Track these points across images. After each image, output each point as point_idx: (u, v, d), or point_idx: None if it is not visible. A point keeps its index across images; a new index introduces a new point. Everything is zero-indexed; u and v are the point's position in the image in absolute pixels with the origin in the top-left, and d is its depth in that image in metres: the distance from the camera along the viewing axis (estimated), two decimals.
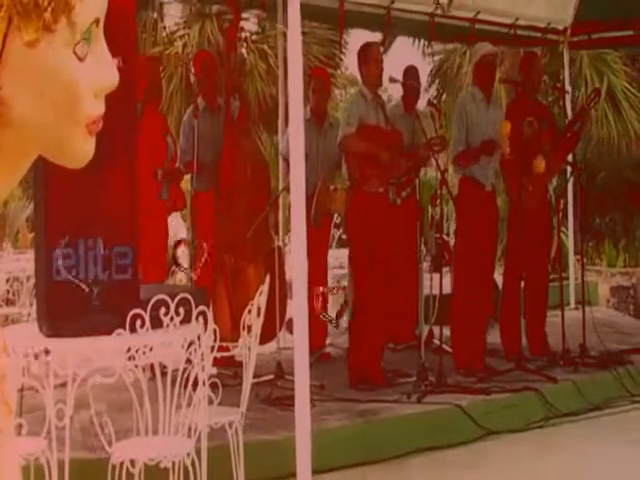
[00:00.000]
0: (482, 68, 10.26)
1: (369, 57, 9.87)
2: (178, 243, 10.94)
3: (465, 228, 10.22)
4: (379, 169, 9.32)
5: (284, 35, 5.54)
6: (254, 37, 21.75)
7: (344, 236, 11.56)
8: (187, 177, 11.59)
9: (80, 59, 1.37)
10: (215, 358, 6.09)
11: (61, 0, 1.33)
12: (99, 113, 1.42)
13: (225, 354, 6.93)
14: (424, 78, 24.29)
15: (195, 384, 5.76)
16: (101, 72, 1.41)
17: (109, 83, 1.41)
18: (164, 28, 23.61)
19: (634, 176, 20.73)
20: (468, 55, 17.63)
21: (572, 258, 13.40)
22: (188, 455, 5.79)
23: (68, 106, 1.39)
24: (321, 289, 9.87)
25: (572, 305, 12.69)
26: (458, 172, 10.34)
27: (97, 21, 1.38)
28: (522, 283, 10.71)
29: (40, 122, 1.39)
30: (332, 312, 11.47)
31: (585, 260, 12.26)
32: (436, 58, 24.16)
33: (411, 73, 10.76)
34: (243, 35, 20.80)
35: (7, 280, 10.76)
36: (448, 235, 12.01)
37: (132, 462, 5.70)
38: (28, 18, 1.31)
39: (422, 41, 20.49)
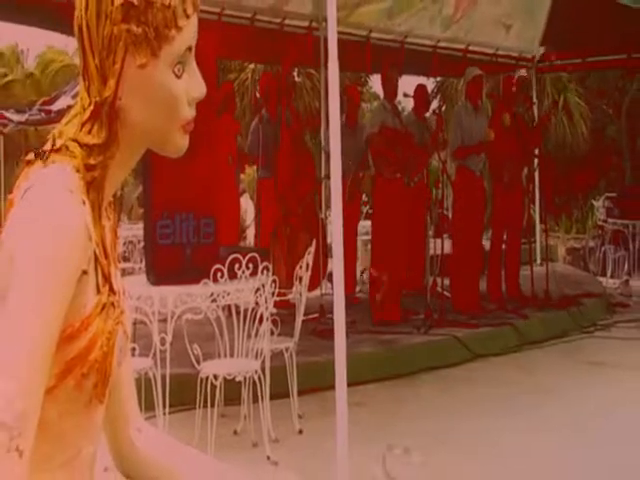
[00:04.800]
0: (472, 86, 10.22)
1: (388, 78, 9.87)
2: None
3: (460, 204, 10.19)
4: (395, 160, 9.29)
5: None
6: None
7: (370, 211, 11.54)
8: (253, 167, 11.62)
9: (177, 76, 1.39)
10: (275, 301, 6.09)
11: (163, 33, 1.34)
12: (192, 116, 1.43)
13: (283, 298, 6.94)
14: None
15: (261, 320, 5.77)
16: (193, 86, 1.42)
17: (199, 94, 1.43)
18: None
19: (582, 167, 20.69)
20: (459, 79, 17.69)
21: (538, 227, 13.32)
22: (256, 372, 5.80)
23: (169, 112, 1.41)
24: None
25: (538, 262, 12.62)
26: (455, 163, 10.30)
27: (190, 48, 1.40)
28: (503, 245, 10.70)
29: (149, 123, 1.41)
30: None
31: (548, 228, 12.17)
32: (438, 79, 24.12)
33: (420, 90, 10.68)
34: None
35: (124, 243, 10.84)
36: (447, 210, 11.96)
37: (215, 376, 5.72)
38: (140, 47, 1.34)
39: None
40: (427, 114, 10.62)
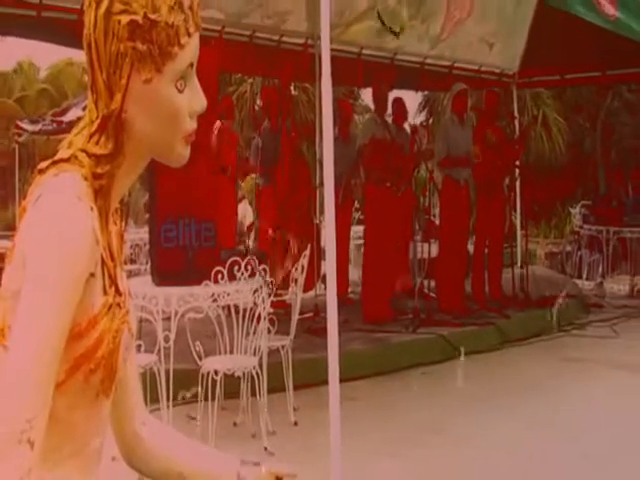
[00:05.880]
0: (458, 100, 10.24)
1: (378, 93, 9.91)
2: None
3: (446, 211, 10.19)
4: (385, 169, 9.30)
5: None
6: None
7: (361, 217, 11.55)
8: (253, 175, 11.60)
9: (180, 91, 1.40)
10: (272, 301, 6.09)
11: (167, 51, 1.35)
12: (193, 128, 1.44)
13: (279, 299, 6.93)
14: (416, 107, 24.40)
15: (258, 319, 5.77)
16: (194, 100, 1.43)
17: (200, 108, 1.44)
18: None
19: (559, 177, 20.76)
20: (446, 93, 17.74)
21: (519, 233, 13.30)
22: (254, 368, 5.82)
23: (171, 124, 1.42)
24: None
25: (519, 265, 12.60)
26: (441, 172, 10.31)
27: (191, 65, 1.42)
28: (486, 250, 10.71)
29: (152, 135, 1.41)
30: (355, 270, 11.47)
31: (528, 234, 12.18)
32: (425, 93, 24.12)
33: (398, 102, 10.66)
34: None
35: (130, 246, 10.85)
36: (434, 216, 11.97)
37: (215, 372, 5.72)
38: (145, 63, 1.35)
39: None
40: (406, 124, 10.59)
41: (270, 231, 9.67)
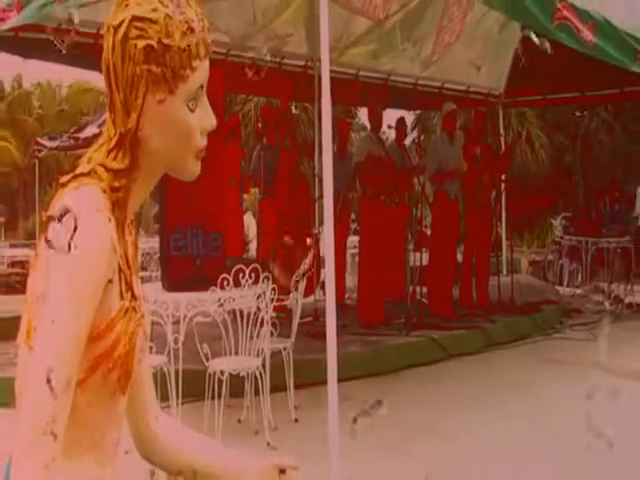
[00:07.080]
0: (448, 119, 10.26)
1: (374, 112, 9.93)
2: None
3: (437, 222, 10.20)
4: (379, 183, 9.31)
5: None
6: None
7: (358, 227, 11.55)
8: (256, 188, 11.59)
9: (191, 110, 1.42)
10: (275, 306, 6.09)
11: (179, 73, 1.36)
12: (203, 145, 1.45)
13: (281, 304, 6.93)
14: (408, 125, 24.39)
15: (262, 323, 5.77)
16: (205, 119, 1.44)
17: (209, 126, 1.46)
18: None
19: (542, 191, 20.78)
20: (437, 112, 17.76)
21: (505, 243, 13.32)
22: (257, 368, 5.81)
23: (183, 141, 1.43)
24: None
25: (504, 273, 12.62)
26: (433, 187, 10.32)
27: (202, 86, 1.43)
28: (474, 259, 10.71)
29: (166, 151, 1.42)
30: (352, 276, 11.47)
31: (512, 244, 12.20)
32: (417, 112, 24.16)
33: (401, 122, 10.69)
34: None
35: (141, 254, 10.84)
36: (426, 227, 11.98)
37: (221, 372, 5.72)
38: (159, 85, 1.36)
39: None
40: (406, 142, 10.61)
41: (271, 241, 9.68)
